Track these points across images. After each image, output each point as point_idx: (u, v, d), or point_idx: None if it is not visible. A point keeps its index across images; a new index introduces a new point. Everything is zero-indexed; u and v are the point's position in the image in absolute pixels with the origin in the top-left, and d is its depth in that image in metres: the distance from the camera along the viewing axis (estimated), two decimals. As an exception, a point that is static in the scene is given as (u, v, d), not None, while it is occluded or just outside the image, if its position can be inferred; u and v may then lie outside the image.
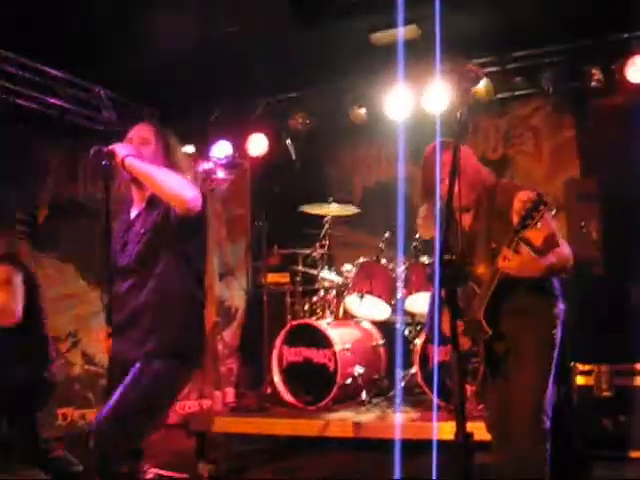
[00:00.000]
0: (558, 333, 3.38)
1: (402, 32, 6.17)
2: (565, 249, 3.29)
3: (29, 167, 6.79)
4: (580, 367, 5.29)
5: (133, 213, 3.38)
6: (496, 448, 3.35)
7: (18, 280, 4.38)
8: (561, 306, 3.42)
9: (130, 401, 2.99)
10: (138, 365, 3.06)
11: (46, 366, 4.42)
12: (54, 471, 4.32)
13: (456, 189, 2.32)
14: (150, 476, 3.30)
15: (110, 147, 3.11)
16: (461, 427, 1.96)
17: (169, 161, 3.35)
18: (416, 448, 4.39)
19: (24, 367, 4.29)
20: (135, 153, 3.16)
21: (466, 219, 3.37)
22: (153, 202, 3.27)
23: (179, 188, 3.13)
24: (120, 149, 3.13)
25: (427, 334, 5.15)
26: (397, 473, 2.97)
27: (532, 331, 3.32)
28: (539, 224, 3.02)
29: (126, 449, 3.00)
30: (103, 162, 3.05)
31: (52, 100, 7.14)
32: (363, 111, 7.45)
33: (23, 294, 4.37)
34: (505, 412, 3.26)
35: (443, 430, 4.12)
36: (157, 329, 3.09)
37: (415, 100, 7.10)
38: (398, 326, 6.08)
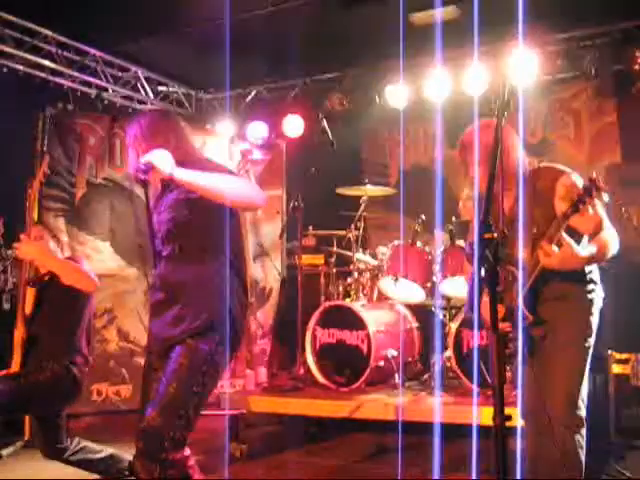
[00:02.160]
0: (595, 320, 3.32)
1: (441, 13, 6.11)
2: (609, 235, 3.18)
3: (68, 146, 6.84)
4: (617, 356, 5.22)
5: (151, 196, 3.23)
6: (530, 434, 3.31)
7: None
8: (599, 293, 3.36)
9: (177, 390, 2.92)
10: (178, 349, 2.98)
11: (73, 359, 4.14)
12: (78, 465, 4.25)
13: (498, 170, 2.27)
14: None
15: (148, 161, 2.85)
16: (499, 409, 1.93)
17: (191, 148, 3.30)
18: (449, 432, 4.38)
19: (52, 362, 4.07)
20: (174, 160, 2.92)
21: (507, 202, 3.32)
22: (168, 183, 3.13)
23: (247, 195, 3.01)
24: (161, 163, 2.86)
25: (466, 314, 5.07)
26: (436, 456, 2.95)
27: (569, 318, 3.26)
28: (591, 210, 2.94)
29: (180, 438, 2.92)
30: (144, 178, 2.84)
31: (90, 79, 7.19)
32: (401, 92, 7.39)
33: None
34: (540, 399, 3.22)
35: (479, 414, 4.09)
36: (192, 307, 3.02)
37: (454, 81, 7.03)
38: (436, 310, 6.04)
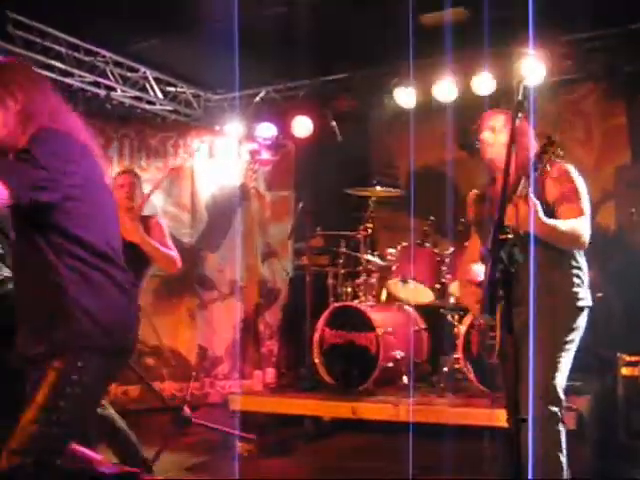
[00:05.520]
0: (579, 316, 3.29)
1: (449, 14, 6.10)
2: (579, 222, 3.20)
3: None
4: (626, 358, 5.20)
5: None
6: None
7: None
8: (585, 288, 3.34)
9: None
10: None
11: None
12: None
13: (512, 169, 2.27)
14: None
15: None
16: (514, 412, 1.93)
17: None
18: (458, 434, 4.38)
19: None
20: (17, 123, 2.55)
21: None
22: None
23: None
24: None
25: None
26: (447, 457, 2.94)
27: (548, 311, 3.22)
28: (549, 167, 2.92)
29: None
30: None
31: (99, 79, 7.21)
32: (410, 93, 7.38)
33: None
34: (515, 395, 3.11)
35: (487, 416, 4.09)
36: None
37: (463, 82, 7.02)
38: (445, 311, 6.03)
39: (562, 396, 3.20)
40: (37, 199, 2.42)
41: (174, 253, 4.73)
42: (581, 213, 3.22)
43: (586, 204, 3.26)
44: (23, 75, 2.65)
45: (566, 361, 3.26)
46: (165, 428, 5.42)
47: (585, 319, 3.34)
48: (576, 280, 3.34)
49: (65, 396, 2.47)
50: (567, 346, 3.26)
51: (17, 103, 2.56)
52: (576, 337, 3.31)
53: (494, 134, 3.39)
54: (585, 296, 3.36)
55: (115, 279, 2.63)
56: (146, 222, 4.71)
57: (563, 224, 3.16)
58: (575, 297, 3.31)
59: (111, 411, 4.38)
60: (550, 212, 3.16)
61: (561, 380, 3.22)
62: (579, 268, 3.37)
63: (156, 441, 4.95)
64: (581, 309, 3.33)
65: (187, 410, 4.89)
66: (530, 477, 2.69)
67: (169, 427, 5.02)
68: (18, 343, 2.61)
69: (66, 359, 2.49)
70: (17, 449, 2.41)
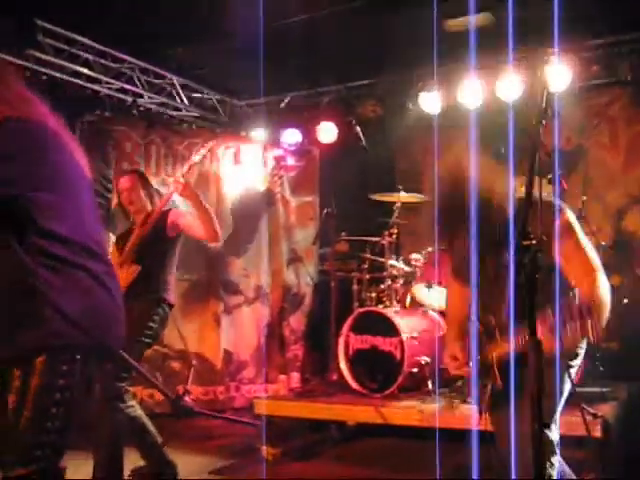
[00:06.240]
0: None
1: (475, 19, 6.09)
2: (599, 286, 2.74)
3: (104, 152, 6.93)
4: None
5: None
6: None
7: None
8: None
9: None
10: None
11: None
12: None
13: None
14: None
15: None
16: (538, 416, 1.94)
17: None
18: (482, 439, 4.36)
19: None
20: None
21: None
22: None
23: None
24: None
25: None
26: (474, 464, 2.92)
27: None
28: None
29: None
30: None
31: (126, 86, 7.29)
32: (434, 99, 7.39)
33: None
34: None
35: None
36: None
37: (488, 88, 7.01)
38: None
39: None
40: (5, 196, 2.30)
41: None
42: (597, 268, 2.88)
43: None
44: None
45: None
46: (191, 432, 5.47)
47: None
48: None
49: (55, 402, 2.38)
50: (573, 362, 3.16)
51: None
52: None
53: None
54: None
55: (94, 273, 2.48)
56: (167, 214, 4.65)
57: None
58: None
59: (140, 412, 4.43)
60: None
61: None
62: None
63: (181, 444, 4.99)
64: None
65: (188, 400, 4.82)
66: None
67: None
68: None
69: (47, 364, 2.37)
70: (18, 460, 2.34)
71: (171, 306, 4.68)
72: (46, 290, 2.37)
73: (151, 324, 4.51)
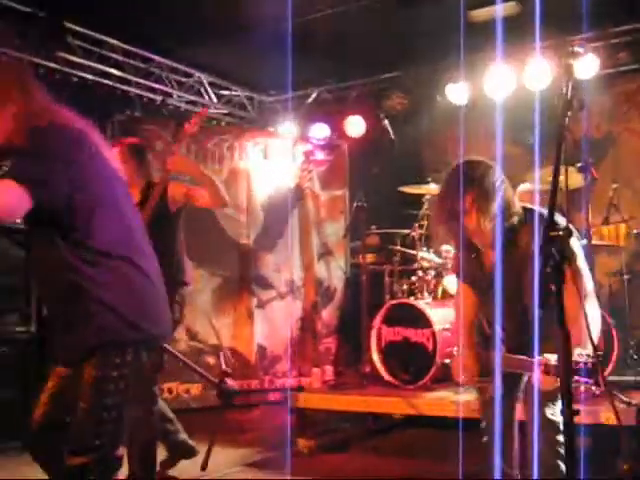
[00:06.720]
0: None
1: (501, 8, 6.07)
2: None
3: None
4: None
5: None
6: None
7: None
8: None
9: None
10: None
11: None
12: None
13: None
14: None
15: None
16: (567, 404, 1.95)
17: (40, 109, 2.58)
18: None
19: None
20: (16, 126, 2.49)
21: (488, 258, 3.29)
22: None
23: None
24: None
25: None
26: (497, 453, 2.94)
27: None
28: None
29: None
30: None
31: (156, 85, 7.37)
32: (461, 90, 7.37)
33: None
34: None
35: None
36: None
37: (516, 78, 6.98)
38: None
39: None
40: (41, 196, 2.36)
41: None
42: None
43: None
44: (17, 75, 2.60)
45: None
46: (225, 426, 5.52)
47: None
48: None
49: (109, 393, 2.50)
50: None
51: (13, 104, 2.50)
52: None
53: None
54: None
55: (139, 268, 2.58)
56: (165, 190, 4.48)
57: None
58: None
59: (163, 405, 4.49)
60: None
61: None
62: None
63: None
64: None
65: (229, 382, 4.78)
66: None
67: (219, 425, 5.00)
68: (53, 346, 2.69)
69: (100, 357, 2.49)
70: (79, 450, 2.49)
71: (187, 285, 4.65)
72: (89, 286, 2.48)
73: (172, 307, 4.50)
